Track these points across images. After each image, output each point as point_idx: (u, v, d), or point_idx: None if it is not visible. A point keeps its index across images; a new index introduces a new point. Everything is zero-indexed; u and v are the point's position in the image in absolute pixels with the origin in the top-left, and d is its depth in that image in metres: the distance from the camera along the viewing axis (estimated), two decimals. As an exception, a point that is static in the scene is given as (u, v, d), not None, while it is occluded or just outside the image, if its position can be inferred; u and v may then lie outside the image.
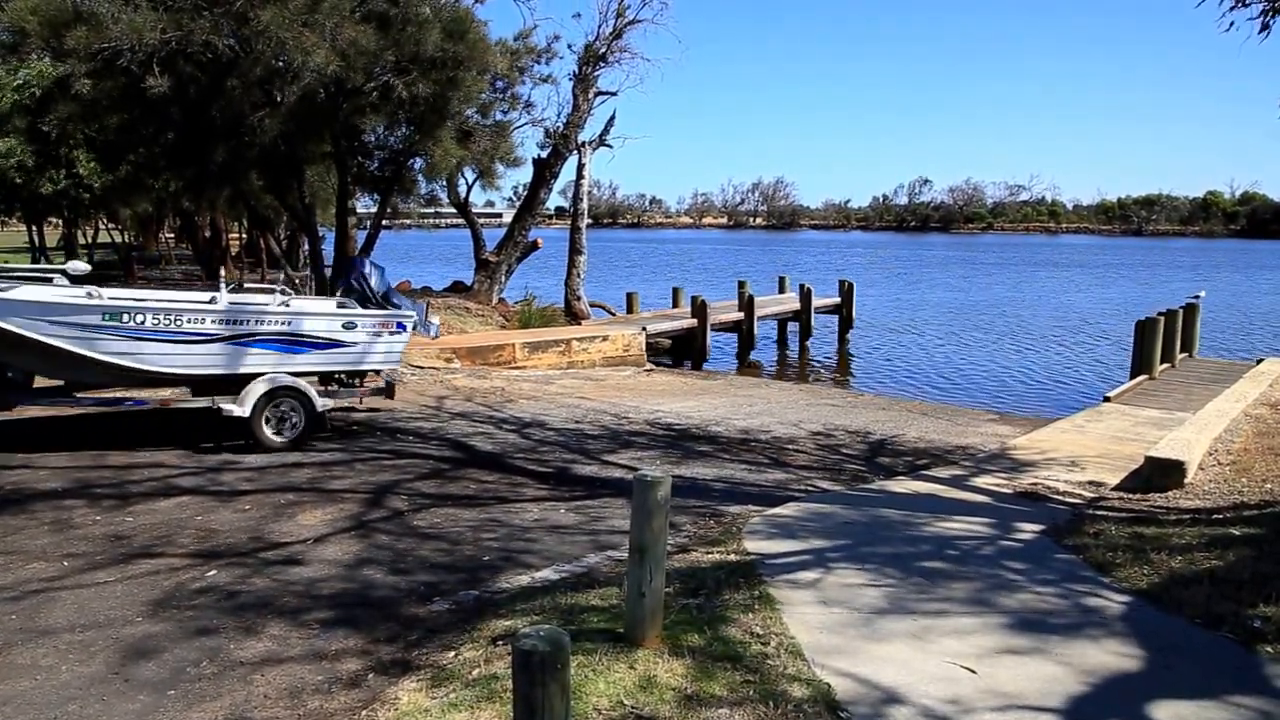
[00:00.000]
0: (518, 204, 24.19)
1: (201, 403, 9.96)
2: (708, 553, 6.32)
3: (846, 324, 28.66)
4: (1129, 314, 27.70)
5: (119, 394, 10.33)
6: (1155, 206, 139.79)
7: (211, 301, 10.17)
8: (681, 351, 23.23)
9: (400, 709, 4.08)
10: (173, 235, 47.79)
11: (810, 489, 8.89)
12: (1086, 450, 10.64)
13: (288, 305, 10.38)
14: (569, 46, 20.83)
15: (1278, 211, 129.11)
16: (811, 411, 14.16)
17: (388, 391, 11.07)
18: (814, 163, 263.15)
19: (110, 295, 9.60)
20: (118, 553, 6.47)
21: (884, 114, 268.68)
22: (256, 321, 10.08)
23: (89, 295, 9.42)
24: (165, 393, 10.34)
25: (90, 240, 36.45)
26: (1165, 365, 17.16)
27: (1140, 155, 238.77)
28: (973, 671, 4.39)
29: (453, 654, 4.74)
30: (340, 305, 11.09)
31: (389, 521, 7.39)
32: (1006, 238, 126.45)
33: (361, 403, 11.00)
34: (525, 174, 21.55)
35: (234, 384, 10.02)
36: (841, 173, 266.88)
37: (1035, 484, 8.91)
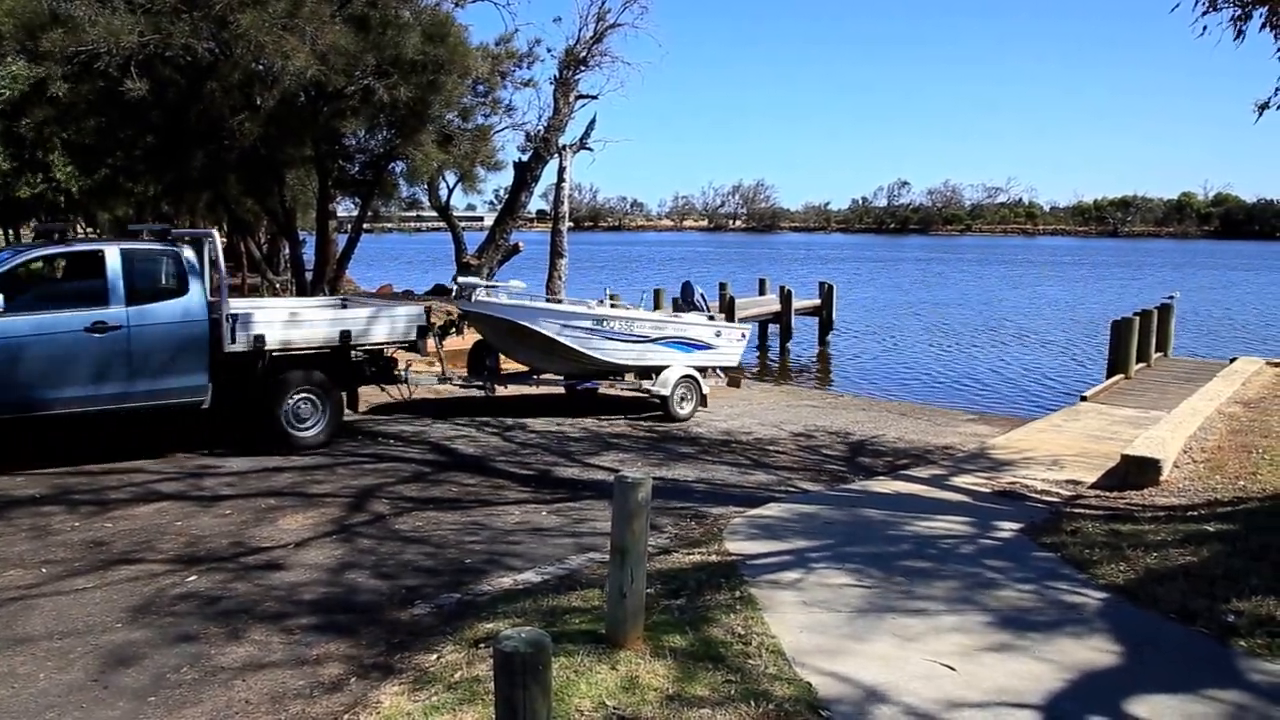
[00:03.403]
0: (499, 207, 24.14)
1: (636, 386, 13.35)
2: (689, 554, 6.35)
3: (826, 326, 28.77)
4: (1104, 313, 27.97)
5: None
6: (1131, 208, 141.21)
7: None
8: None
9: (383, 712, 4.09)
10: (151, 239, 47.39)
11: (792, 490, 8.93)
12: (1064, 449, 10.74)
13: (679, 318, 14.14)
14: (549, 50, 20.74)
15: (1250, 212, 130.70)
16: (792, 413, 14.22)
17: (733, 382, 15.36)
18: (794, 165, 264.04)
19: (600, 306, 13.43)
20: (97, 559, 6.42)
21: (863, 117, 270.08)
22: (671, 327, 13.58)
23: (588, 306, 13.19)
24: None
25: (67, 245, 36.11)
26: (1141, 365, 17.34)
27: (1116, 157, 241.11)
28: (953, 669, 4.44)
29: (435, 657, 4.74)
30: (710, 318, 14.76)
31: (371, 525, 7.37)
32: (984, 239, 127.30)
33: (711, 391, 14.07)
34: (506, 177, 21.47)
35: (615, 373, 13.32)
36: (821, 175, 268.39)
37: (1014, 483, 9.00)
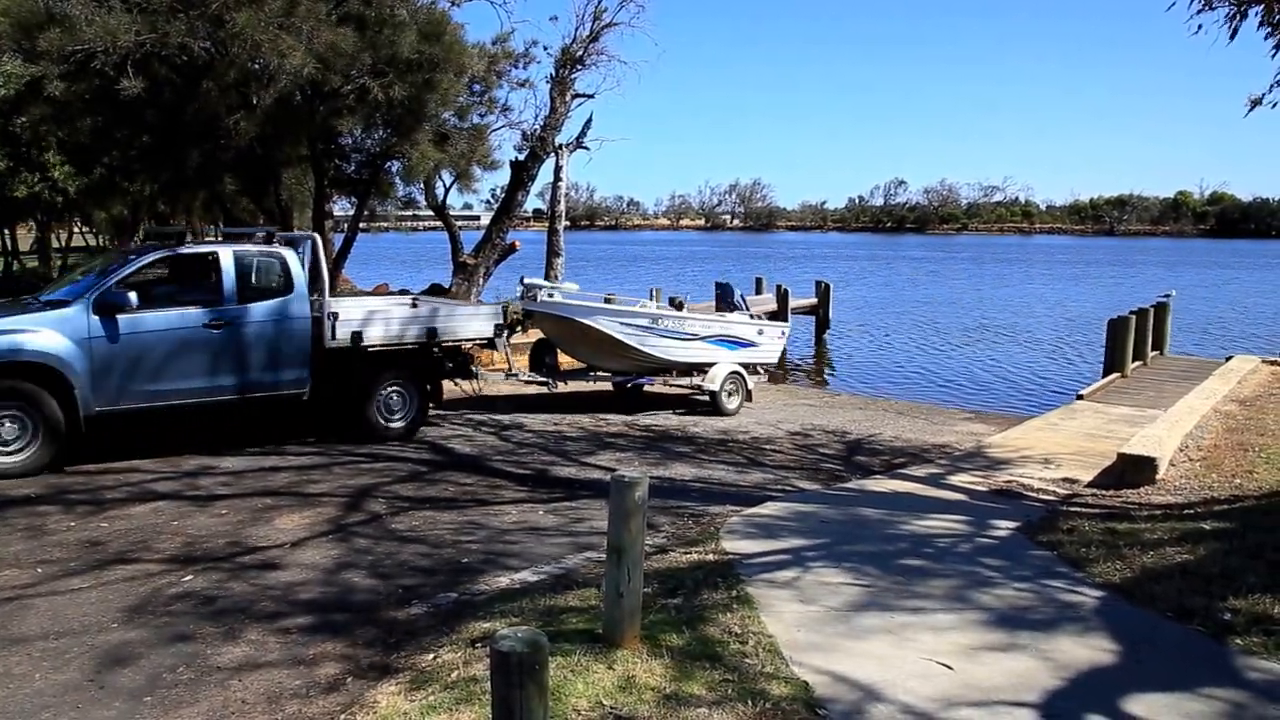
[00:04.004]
0: (495, 207, 24.07)
1: (685, 382, 13.80)
2: (686, 553, 6.34)
3: (823, 325, 28.75)
4: (1097, 311, 28.00)
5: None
6: (1127, 207, 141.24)
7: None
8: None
9: (379, 712, 4.08)
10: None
11: (788, 489, 8.93)
12: (1060, 448, 10.74)
13: (725, 316, 14.84)
14: (545, 49, 20.64)
15: (1246, 211, 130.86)
16: (789, 412, 14.22)
17: (774, 378, 16.46)
18: (791, 165, 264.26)
19: (653, 306, 14.66)
20: (93, 559, 6.41)
21: (860, 115, 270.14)
22: (718, 326, 14.30)
23: (641, 305, 14.22)
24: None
25: (64, 244, 35.98)
26: (1137, 363, 17.35)
27: (1113, 156, 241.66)
28: (950, 668, 4.44)
29: (432, 656, 4.73)
30: (754, 318, 15.53)
31: (368, 525, 7.37)
32: (981, 238, 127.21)
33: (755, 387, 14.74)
34: (503, 177, 21.44)
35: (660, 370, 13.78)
36: (818, 174, 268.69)
37: (1010, 481, 9.00)
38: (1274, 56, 8.45)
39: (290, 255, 10.04)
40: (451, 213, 25.55)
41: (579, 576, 6.00)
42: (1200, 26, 8.61)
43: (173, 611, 5.51)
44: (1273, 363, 16.92)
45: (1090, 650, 4.65)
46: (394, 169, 18.94)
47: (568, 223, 24.16)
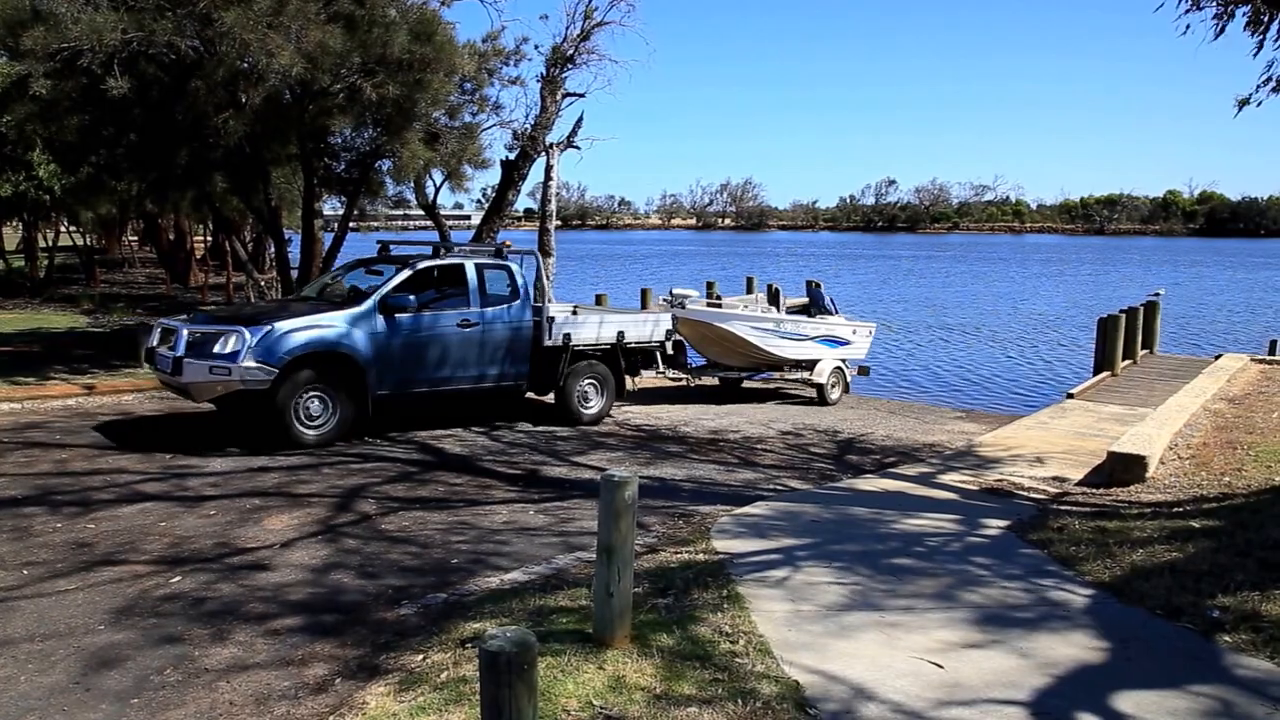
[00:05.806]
0: (486, 206, 24.04)
1: (796, 377, 15.56)
2: (677, 553, 6.34)
3: (816, 324, 28.79)
4: (1088, 309, 28.09)
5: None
6: (1117, 206, 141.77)
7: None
8: (652, 352, 23.24)
9: (368, 713, 4.06)
10: (136, 238, 46.98)
11: (779, 488, 8.93)
12: (1051, 446, 10.78)
13: (827, 318, 16.35)
14: (536, 48, 20.57)
15: (1234, 210, 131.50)
16: (780, 411, 14.23)
17: (863, 370, 16.88)
18: (782, 163, 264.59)
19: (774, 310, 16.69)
20: (79, 560, 6.36)
21: (851, 115, 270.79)
22: (824, 327, 15.83)
23: (764, 310, 16.43)
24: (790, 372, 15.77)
25: (51, 243, 35.71)
26: (1127, 362, 17.42)
27: (1106, 155, 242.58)
28: (940, 666, 4.44)
29: (421, 657, 4.71)
30: (847, 319, 17.10)
31: (357, 525, 7.33)
32: (972, 237, 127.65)
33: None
34: (493, 176, 21.30)
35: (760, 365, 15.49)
36: (809, 173, 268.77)
37: (1001, 480, 9.02)
38: (1255, 56, 8.51)
39: (516, 267, 11.66)
40: (442, 212, 25.48)
41: (569, 576, 5.98)
42: (1188, 27, 8.67)
43: (160, 613, 5.47)
44: (1262, 361, 17.02)
45: (1079, 648, 4.66)
46: (384, 168, 18.83)
47: (559, 222, 24.12)
